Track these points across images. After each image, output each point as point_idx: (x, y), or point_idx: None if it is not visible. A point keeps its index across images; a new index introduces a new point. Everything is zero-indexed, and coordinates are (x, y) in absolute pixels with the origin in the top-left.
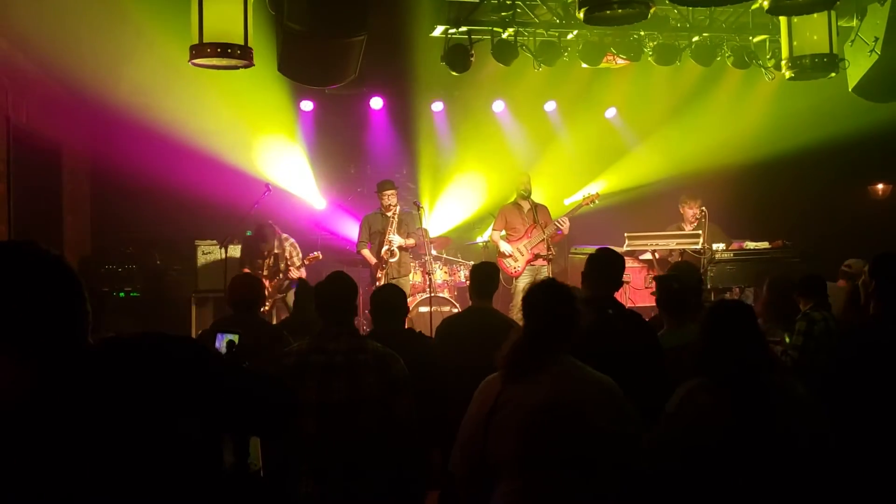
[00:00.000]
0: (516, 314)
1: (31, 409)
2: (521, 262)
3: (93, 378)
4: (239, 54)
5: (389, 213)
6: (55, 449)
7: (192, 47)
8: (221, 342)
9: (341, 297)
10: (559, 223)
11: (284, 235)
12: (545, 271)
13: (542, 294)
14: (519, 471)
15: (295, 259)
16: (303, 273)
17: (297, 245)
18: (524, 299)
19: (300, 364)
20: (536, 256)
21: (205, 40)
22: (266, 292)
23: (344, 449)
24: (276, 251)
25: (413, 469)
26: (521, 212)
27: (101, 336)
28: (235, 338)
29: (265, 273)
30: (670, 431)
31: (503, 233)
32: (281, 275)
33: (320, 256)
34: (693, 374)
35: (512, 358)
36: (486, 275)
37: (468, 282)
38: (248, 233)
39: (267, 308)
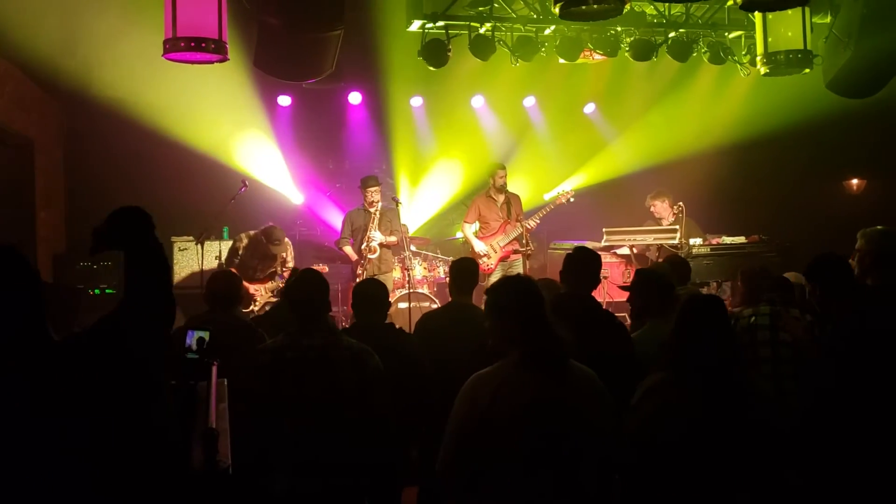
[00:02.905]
0: None
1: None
2: (494, 259)
3: (55, 373)
4: (213, 48)
5: (372, 210)
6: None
7: (166, 41)
8: (192, 339)
9: (313, 293)
10: (526, 224)
11: (286, 239)
12: (518, 266)
13: (518, 295)
14: (513, 465)
15: (290, 261)
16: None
17: (290, 244)
18: (497, 300)
19: (275, 361)
20: (512, 252)
21: (178, 34)
22: (259, 295)
23: (319, 445)
24: (284, 255)
25: (389, 465)
26: (494, 205)
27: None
28: (206, 335)
29: (260, 275)
30: (632, 424)
31: (476, 226)
32: (277, 277)
33: (326, 269)
34: (660, 368)
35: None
36: (466, 271)
37: (448, 278)
38: (249, 232)
39: (256, 310)
